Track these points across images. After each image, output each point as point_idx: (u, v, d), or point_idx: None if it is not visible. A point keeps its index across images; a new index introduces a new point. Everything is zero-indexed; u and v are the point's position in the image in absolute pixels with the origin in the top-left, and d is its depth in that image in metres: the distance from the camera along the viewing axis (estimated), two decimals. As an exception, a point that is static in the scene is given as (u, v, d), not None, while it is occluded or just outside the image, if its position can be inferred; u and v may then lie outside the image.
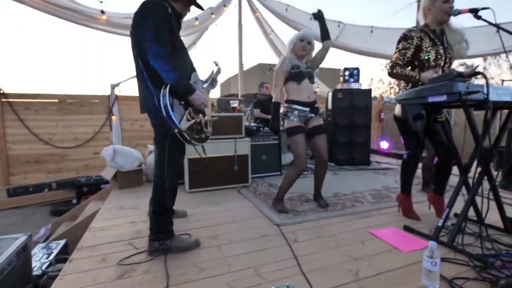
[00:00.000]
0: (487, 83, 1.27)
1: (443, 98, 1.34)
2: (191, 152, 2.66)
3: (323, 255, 1.53)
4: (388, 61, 2.15)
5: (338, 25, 4.76)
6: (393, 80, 13.08)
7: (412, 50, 1.82)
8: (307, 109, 2.16)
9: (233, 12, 5.54)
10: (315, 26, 5.14)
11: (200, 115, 1.58)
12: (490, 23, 1.63)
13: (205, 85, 1.73)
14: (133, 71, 1.56)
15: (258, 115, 4.24)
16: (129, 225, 1.95)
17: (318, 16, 2.25)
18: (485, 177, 1.63)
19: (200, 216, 2.09)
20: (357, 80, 3.95)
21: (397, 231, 1.83)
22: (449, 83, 1.31)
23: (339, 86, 4.01)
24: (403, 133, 2.00)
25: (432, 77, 1.56)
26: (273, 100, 2.22)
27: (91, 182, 3.77)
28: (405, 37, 1.88)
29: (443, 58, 1.83)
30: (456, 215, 2.01)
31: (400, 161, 2.19)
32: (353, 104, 3.90)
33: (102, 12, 2.98)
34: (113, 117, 4.74)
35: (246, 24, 5.76)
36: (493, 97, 1.34)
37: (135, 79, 1.56)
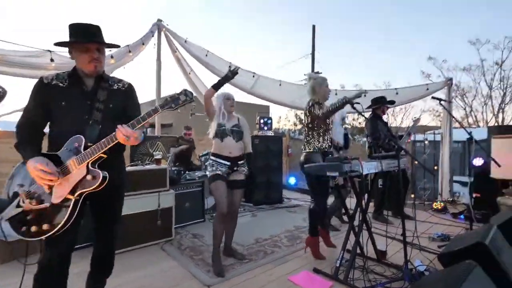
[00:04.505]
0: (361, 165, 1.83)
1: (336, 174, 1.84)
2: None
3: (253, 313, 1.71)
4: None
5: (253, 76, 5.39)
6: (296, 120, 15.86)
7: None
8: (228, 163, 2.34)
9: (152, 50, 5.47)
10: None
11: (32, 202, 1.28)
12: (359, 113, 2.31)
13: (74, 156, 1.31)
14: (18, 104, 1.41)
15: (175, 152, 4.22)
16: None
17: (234, 74, 2.28)
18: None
19: (125, 287, 1.94)
20: (270, 128, 4.55)
21: (308, 275, 2.20)
22: (339, 164, 1.81)
23: (255, 133, 4.51)
24: (310, 186, 2.52)
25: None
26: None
27: None
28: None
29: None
30: (348, 250, 2.57)
31: (304, 196, 2.69)
32: (268, 148, 4.45)
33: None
34: (-13, 159, 3.76)
35: (165, 61, 5.74)
36: (365, 171, 1.92)
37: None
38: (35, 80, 1.44)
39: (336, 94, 5.10)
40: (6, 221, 1.28)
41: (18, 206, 1.29)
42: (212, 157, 2.38)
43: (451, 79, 5.03)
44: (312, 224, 2.53)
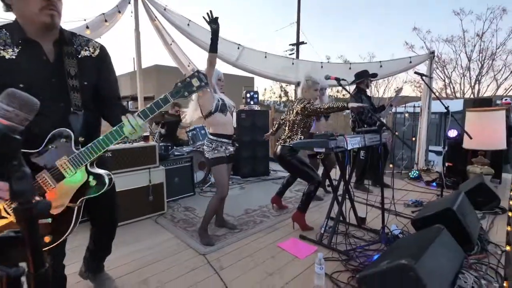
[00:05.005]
0: (346, 141, 1.92)
1: (323, 150, 1.93)
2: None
3: (246, 276, 1.87)
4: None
5: (238, 48, 5.22)
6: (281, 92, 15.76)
7: None
8: (230, 141, 2.34)
9: (129, 19, 5.11)
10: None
11: None
12: (344, 89, 2.38)
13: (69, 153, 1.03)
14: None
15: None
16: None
17: (215, 21, 1.99)
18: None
19: (122, 260, 2.04)
20: (256, 102, 4.54)
21: (295, 241, 2.39)
22: (325, 141, 1.90)
23: (241, 107, 4.50)
24: (295, 172, 2.67)
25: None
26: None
27: None
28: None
29: None
30: (331, 218, 2.78)
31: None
32: (254, 123, 4.48)
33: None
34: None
35: (144, 31, 5.41)
36: (349, 147, 2.03)
37: None
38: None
39: (321, 67, 5.08)
40: None
41: (1, 217, 0.96)
42: (212, 137, 2.27)
43: (433, 52, 5.12)
44: (305, 203, 2.54)
